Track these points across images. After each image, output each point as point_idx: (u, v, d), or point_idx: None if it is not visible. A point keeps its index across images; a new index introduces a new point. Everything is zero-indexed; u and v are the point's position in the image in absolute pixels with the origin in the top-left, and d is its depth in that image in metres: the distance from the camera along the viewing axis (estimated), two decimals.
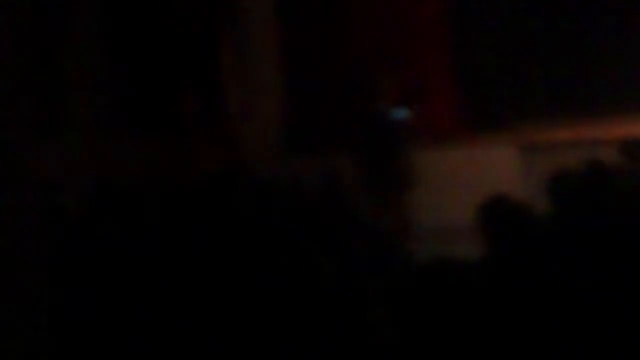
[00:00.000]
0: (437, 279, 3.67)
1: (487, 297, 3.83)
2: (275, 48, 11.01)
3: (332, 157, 9.66)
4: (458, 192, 9.10)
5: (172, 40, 10.84)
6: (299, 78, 11.02)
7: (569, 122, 10.63)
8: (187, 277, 4.96)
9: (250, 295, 4.50)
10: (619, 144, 7.21)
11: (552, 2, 11.08)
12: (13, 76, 3.05)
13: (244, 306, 4.44)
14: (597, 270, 4.37)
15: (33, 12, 9.05)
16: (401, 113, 9.03)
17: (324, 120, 10.86)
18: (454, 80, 10.94)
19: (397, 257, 5.16)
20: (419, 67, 10.69)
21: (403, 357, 3.53)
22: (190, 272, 5.03)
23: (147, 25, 10.75)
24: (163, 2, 10.82)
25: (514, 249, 4.65)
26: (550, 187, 5.55)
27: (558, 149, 9.54)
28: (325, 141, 10.62)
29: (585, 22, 11.07)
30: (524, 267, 4.42)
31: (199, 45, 10.92)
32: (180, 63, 10.86)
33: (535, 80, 11.18)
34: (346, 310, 4.34)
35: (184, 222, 6.16)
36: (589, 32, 11.06)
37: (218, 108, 10.89)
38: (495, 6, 11.03)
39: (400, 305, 3.62)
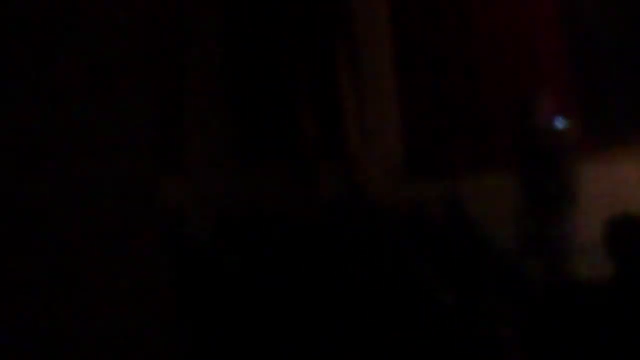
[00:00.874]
0: (565, 299, 3.62)
1: (614, 316, 3.76)
2: (393, 70, 11.01)
3: (455, 181, 9.58)
4: (583, 208, 8.89)
5: (291, 68, 10.93)
6: (419, 100, 10.99)
7: None
8: (309, 305, 4.97)
9: (370, 324, 4.49)
10: None
11: None
12: (142, 114, 3.12)
13: (364, 334, 4.43)
14: None
15: (156, 48, 9.24)
16: (561, 123, 8.71)
17: (447, 142, 10.79)
18: (578, 96, 10.76)
19: (525, 280, 5.09)
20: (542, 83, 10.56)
21: None
22: (313, 300, 5.04)
23: (265, 56, 10.87)
24: (281, 31, 10.92)
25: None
26: None
27: None
28: (447, 165, 10.56)
29: None
30: None
31: (318, 72, 10.98)
32: (299, 90, 10.94)
33: None
34: (471, 334, 4.30)
35: (306, 249, 6.17)
36: None
37: (338, 134, 10.92)
38: (614, 18, 10.83)
39: (529, 327, 3.58)
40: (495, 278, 5.13)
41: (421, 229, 6.54)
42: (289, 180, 10.30)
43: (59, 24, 2.95)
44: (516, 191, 8.60)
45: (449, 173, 10.28)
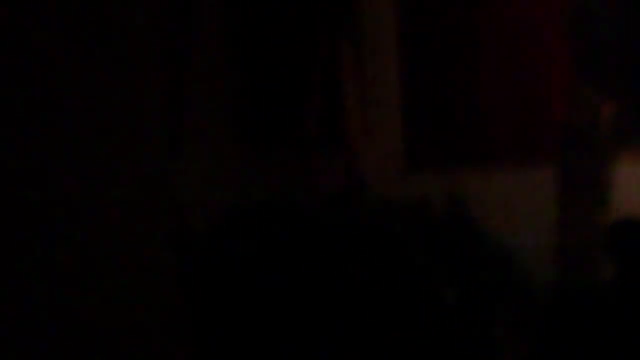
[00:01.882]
0: (564, 301, 3.62)
1: (615, 318, 3.76)
2: (396, 63, 11.01)
3: (456, 174, 9.58)
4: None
5: (294, 58, 10.91)
6: (420, 92, 10.98)
7: None
8: (307, 296, 4.96)
9: (369, 319, 4.48)
10: None
11: None
12: (144, 97, 3.11)
13: (361, 328, 4.42)
14: None
15: (158, 29, 9.17)
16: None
17: (448, 135, 10.79)
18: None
19: (523, 278, 5.09)
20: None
21: None
22: (311, 291, 5.03)
23: (269, 45, 10.85)
24: (285, 20, 10.90)
25: None
26: None
27: None
28: (449, 157, 10.56)
29: None
30: None
31: (320, 63, 10.97)
32: (301, 81, 10.93)
33: None
34: (471, 334, 4.30)
35: (304, 241, 6.16)
36: None
37: (338, 125, 10.91)
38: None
39: (526, 326, 3.58)
40: (495, 277, 5.13)
41: (422, 223, 6.54)
42: (289, 170, 10.29)
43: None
44: (552, 183, 8.50)
45: (450, 166, 10.28)
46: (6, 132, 2.78)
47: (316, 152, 10.65)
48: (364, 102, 10.96)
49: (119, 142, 3.04)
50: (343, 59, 11.00)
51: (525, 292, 4.91)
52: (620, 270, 4.54)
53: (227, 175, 9.85)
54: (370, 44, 10.99)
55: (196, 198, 8.30)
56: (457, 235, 6.14)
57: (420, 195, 7.09)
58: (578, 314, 3.61)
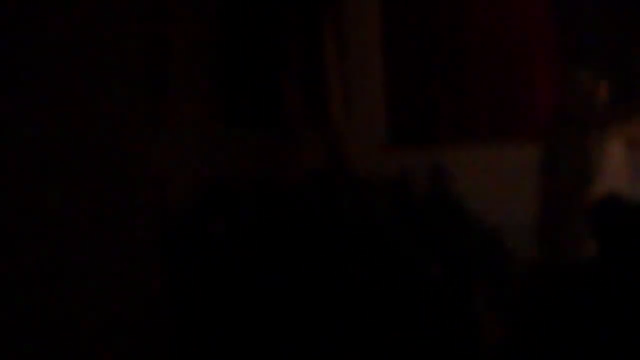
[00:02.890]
0: (545, 278, 3.63)
1: (596, 295, 3.77)
2: (378, 42, 11.01)
3: (439, 150, 9.62)
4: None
5: (278, 38, 10.90)
6: (402, 72, 11.00)
7: None
8: (290, 277, 4.96)
9: (351, 296, 4.49)
10: None
11: None
12: (127, 75, 3.10)
13: (345, 306, 4.43)
14: None
15: (141, 8, 9.11)
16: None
17: (430, 113, 10.81)
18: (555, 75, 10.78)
19: (505, 255, 5.10)
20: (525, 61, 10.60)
21: (510, 355, 3.51)
22: (293, 271, 5.04)
23: (250, 25, 10.84)
24: (269, 1, 10.89)
25: (624, 248, 4.56)
26: None
27: None
28: (431, 135, 10.59)
29: None
30: (633, 267, 4.33)
31: (304, 42, 10.97)
32: (285, 60, 10.92)
33: None
34: (452, 310, 4.31)
35: (286, 221, 6.16)
36: None
37: (321, 104, 10.92)
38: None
39: (507, 304, 3.59)
40: (476, 254, 5.14)
41: (404, 200, 6.55)
42: (272, 149, 10.30)
43: None
44: (534, 160, 8.53)
45: (432, 144, 10.32)
46: None
47: (298, 130, 10.66)
48: (345, 80, 10.97)
49: (101, 122, 3.03)
50: (325, 37, 11.00)
51: (506, 269, 4.92)
52: (602, 248, 4.55)
53: (209, 154, 9.85)
54: (352, 22, 10.98)
55: (177, 177, 8.29)
56: (439, 212, 6.15)
57: (402, 172, 7.09)
58: (559, 291, 3.62)
